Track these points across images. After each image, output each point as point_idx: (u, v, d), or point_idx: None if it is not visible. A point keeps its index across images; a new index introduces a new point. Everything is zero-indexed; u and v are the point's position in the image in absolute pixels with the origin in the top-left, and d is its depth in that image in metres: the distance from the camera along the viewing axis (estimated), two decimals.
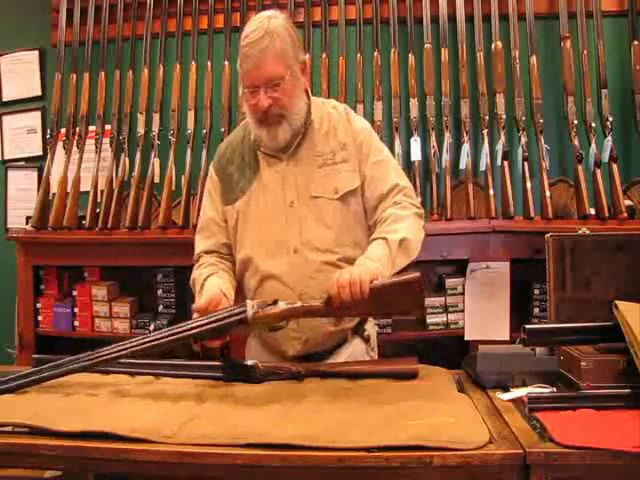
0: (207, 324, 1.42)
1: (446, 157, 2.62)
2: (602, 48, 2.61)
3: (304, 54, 1.67)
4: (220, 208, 1.71)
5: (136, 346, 1.42)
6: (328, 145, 1.66)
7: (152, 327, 2.70)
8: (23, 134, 3.24)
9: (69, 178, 2.79)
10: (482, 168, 2.62)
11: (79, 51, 2.90)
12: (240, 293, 1.68)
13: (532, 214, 2.51)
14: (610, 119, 2.57)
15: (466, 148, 2.64)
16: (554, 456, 1.10)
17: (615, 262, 1.56)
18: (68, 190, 2.77)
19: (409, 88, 2.75)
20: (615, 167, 2.52)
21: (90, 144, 2.87)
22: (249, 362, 1.53)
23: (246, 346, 1.82)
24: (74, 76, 2.89)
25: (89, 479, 1.58)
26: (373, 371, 1.54)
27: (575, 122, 2.60)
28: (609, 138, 2.55)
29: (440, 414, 1.24)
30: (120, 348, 1.42)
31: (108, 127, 2.87)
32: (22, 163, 3.24)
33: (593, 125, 2.57)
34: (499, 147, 2.61)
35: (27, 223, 2.88)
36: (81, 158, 2.82)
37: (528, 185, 2.55)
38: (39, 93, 3.21)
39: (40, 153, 3.20)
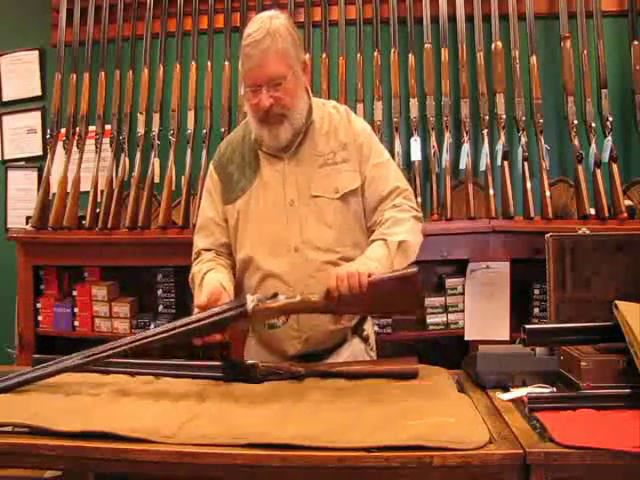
0: (207, 318, 1.43)
1: (446, 157, 2.62)
2: (602, 48, 2.61)
3: (305, 54, 1.67)
4: (220, 207, 1.72)
5: (138, 341, 1.43)
6: (329, 145, 1.66)
7: (152, 327, 2.70)
8: (23, 134, 3.24)
9: (69, 178, 2.79)
10: (482, 168, 2.62)
11: (79, 51, 2.90)
12: (240, 292, 1.68)
13: (532, 214, 2.51)
14: (610, 119, 2.57)
15: (466, 148, 2.64)
16: (554, 456, 1.10)
17: (615, 262, 1.56)
18: (68, 190, 2.77)
19: (409, 88, 2.75)
20: (615, 167, 2.52)
21: (90, 144, 2.87)
22: (249, 362, 1.53)
23: (245, 346, 1.83)
24: (74, 76, 2.89)
25: (89, 479, 1.58)
26: (373, 371, 1.54)
27: (575, 122, 2.60)
28: (609, 138, 2.55)
29: (440, 414, 1.24)
30: (122, 343, 1.43)
31: (108, 127, 2.87)
32: (22, 163, 3.24)
33: (593, 125, 2.57)
34: (499, 147, 2.61)
35: (27, 223, 2.88)
36: (81, 158, 2.82)
37: (528, 185, 2.55)
38: (39, 93, 3.22)
39: (40, 153, 3.20)
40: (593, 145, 2.55)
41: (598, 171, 2.53)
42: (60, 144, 2.87)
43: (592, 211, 2.50)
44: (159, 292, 2.79)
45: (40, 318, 2.79)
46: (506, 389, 1.44)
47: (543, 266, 1.61)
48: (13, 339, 2.81)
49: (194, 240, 1.76)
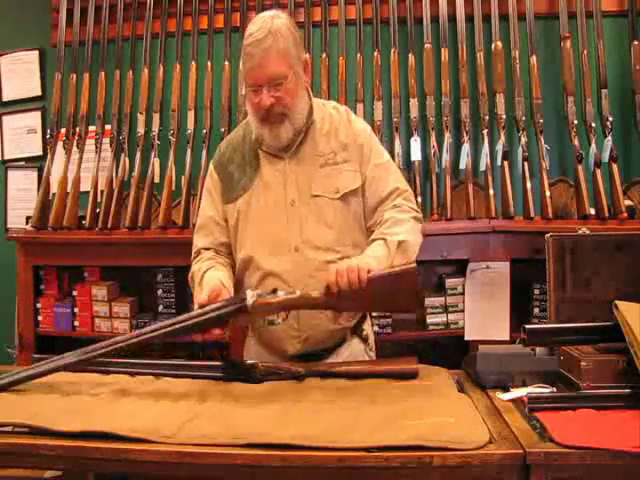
0: (207, 313, 1.43)
1: (446, 157, 2.62)
2: (602, 48, 2.61)
3: (305, 54, 1.68)
4: (220, 207, 1.72)
5: (139, 337, 1.44)
6: (329, 145, 1.66)
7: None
8: (23, 134, 3.24)
9: (69, 178, 2.79)
10: (482, 168, 2.62)
11: (79, 51, 2.90)
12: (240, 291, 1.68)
13: (532, 214, 2.51)
14: (610, 119, 2.57)
15: (466, 148, 2.64)
16: (554, 456, 1.10)
17: (615, 262, 1.56)
18: (68, 190, 2.77)
19: (409, 88, 2.75)
20: (615, 167, 2.52)
21: (90, 144, 2.87)
22: (249, 362, 1.53)
23: (244, 346, 1.83)
24: (74, 76, 2.89)
25: (89, 479, 1.58)
26: (373, 371, 1.54)
27: (575, 122, 2.60)
28: (609, 138, 2.55)
29: (440, 414, 1.24)
30: (123, 339, 1.44)
31: (108, 127, 2.87)
32: (22, 163, 3.24)
33: (593, 125, 2.58)
34: (499, 147, 2.61)
35: (27, 223, 2.88)
36: (81, 158, 2.82)
37: (528, 185, 2.55)
38: (39, 93, 3.22)
39: (40, 153, 3.20)
40: (593, 145, 2.55)
41: (598, 171, 2.53)
42: (60, 144, 2.87)
43: (592, 211, 2.50)
44: (159, 292, 2.79)
45: (40, 318, 2.79)
46: (506, 389, 1.44)
47: (543, 266, 1.61)
48: (13, 339, 2.81)
49: (194, 239, 1.76)
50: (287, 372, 1.52)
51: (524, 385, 1.44)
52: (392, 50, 2.75)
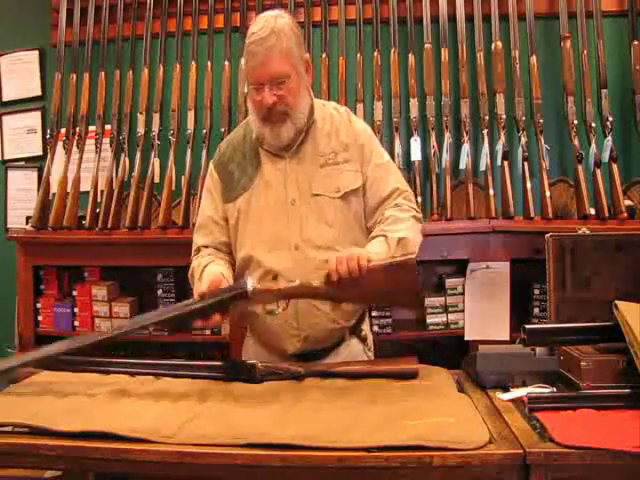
0: (208, 299, 1.44)
1: (446, 157, 2.62)
2: (602, 48, 2.61)
3: (306, 54, 1.68)
4: (220, 206, 1.72)
5: (141, 323, 1.46)
6: (330, 145, 1.67)
7: (152, 327, 2.70)
8: (23, 134, 3.24)
9: (69, 178, 2.79)
10: (482, 168, 2.62)
11: (79, 51, 2.90)
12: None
13: (532, 214, 2.51)
14: (610, 119, 2.57)
15: (466, 148, 2.64)
16: (554, 456, 1.10)
17: (615, 262, 1.56)
18: (68, 190, 2.77)
19: (409, 88, 2.75)
20: (615, 167, 2.52)
21: (90, 144, 2.87)
22: (249, 362, 1.53)
23: (243, 345, 1.83)
24: (74, 76, 2.89)
25: (89, 479, 1.58)
26: (373, 371, 1.54)
27: (575, 122, 2.59)
28: (609, 138, 2.55)
29: (440, 414, 1.24)
30: (127, 325, 1.45)
31: (108, 127, 2.87)
32: (22, 163, 3.24)
33: (593, 125, 2.57)
34: (499, 147, 2.61)
35: (27, 223, 2.87)
36: (81, 158, 2.82)
37: (528, 185, 2.55)
38: (39, 93, 3.21)
39: (40, 153, 3.20)
40: (593, 145, 2.55)
41: (598, 171, 2.53)
42: (60, 144, 2.87)
43: (592, 211, 2.50)
44: (159, 292, 2.79)
45: (40, 318, 2.79)
46: (506, 389, 1.44)
47: (543, 266, 1.61)
48: (13, 339, 2.81)
49: (193, 238, 1.77)
50: (287, 372, 1.52)
51: (524, 385, 1.44)
52: (392, 50, 2.75)
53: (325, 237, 1.62)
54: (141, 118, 2.83)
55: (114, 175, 2.79)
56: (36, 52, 3.19)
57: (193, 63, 2.84)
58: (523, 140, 2.60)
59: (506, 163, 2.59)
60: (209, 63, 2.82)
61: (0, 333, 2.96)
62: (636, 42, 2.62)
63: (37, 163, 3.19)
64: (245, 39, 1.60)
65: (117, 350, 2.71)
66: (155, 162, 2.76)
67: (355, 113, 1.80)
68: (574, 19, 2.64)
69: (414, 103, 2.72)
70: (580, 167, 2.54)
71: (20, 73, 3.22)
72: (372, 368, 1.56)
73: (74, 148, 2.84)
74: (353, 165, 1.66)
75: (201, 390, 1.43)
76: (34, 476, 1.75)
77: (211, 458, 1.15)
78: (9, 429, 1.25)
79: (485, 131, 2.66)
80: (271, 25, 1.54)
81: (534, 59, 2.64)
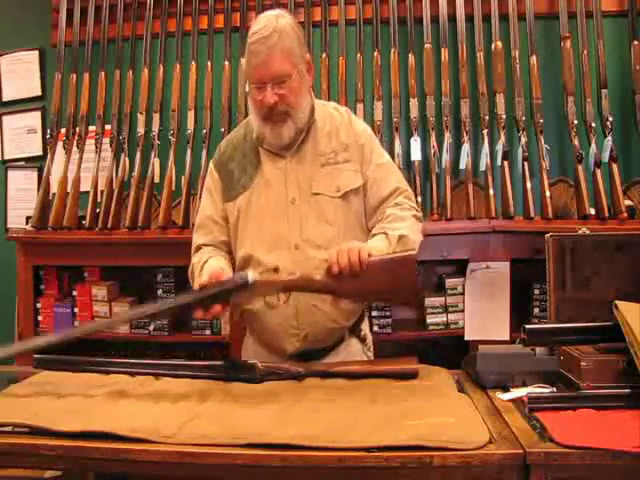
0: (209, 290, 1.44)
1: (446, 157, 2.62)
2: (602, 48, 2.61)
3: (308, 54, 1.68)
4: (220, 205, 1.72)
5: (143, 313, 1.49)
6: (330, 145, 1.67)
7: (152, 327, 2.70)
8: (23, 134, 3.24)
9: (69, 178, 2.79)
10: (482, 168, 2.62)
11: (79, 51, 2.90)
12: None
13: (532, 214, 2.51)
14: (610, 119, 2.57)
15: (466, 148, 2.64)
16: (554, 456, 1.10)
17: (615, 262, 1.56)
18: (68, 190, 2.77)
19: (409, 88, 2.75)
20: (615, 167, 2.52)
21: (90, 144, 2.87)
22: (249, 362, 1.53)
23: (243, 345, 1.83)
24: (74, 76, 2.89)
25: (89, 479, 1.58)
26: (373, 371, 1.54)
27: (575, 122, 2.59)
28: (609, 138, 2.55)
29: (440, 414, 1.24)
30: (127, 314, 1.46)
31: (108, 127, 2.87)
32: (22, 163, 3.24)
33: (593, 125, 2.57)
34: (499, 147, 2.61)
35: (27, 223, 2.88)
36: (81, 158, 2.82)
37: (528, 185, 2.55)
38: (39, 93, 3.21)
39: (40, 153, 3.20)
40: (593, 145, 2.55)
41: (598, 171, 2.53)
42: (60, 144, 2.87)
43: (592, 211, 2.50)
44: (159, 292, 2.79)
45: (40, 318, 2.79)
46: (506, 389, 1.44)
47: (543, 266, 1.61)
48: (13, 339, 2.81)
49: (193, 237, 1.77)
50: (287, 372, 1.51)
51: (524, 385, 1.44)
52: (392, 50, 2.75)
53: (325, 236, 1.62)
54: (141, 118, 2.83)
55: (114, 175, 2.79)
56: (36, 52, 3.19)
57: (193, 63, 2.84)
58: (523, 140, 2.60)
59: (506, 163, 2.59)
60: (209, 63, 2.82)
61: (0, 333, 2.96)
62: (636, 42, 2.62)
63: (37, 163, 3.19)
64: (245, 39, 1.60)
65: (117, 350, 2.72)
66: (155, 162, 2.76)
67: (355, 113, 1.80)
68: (574, 19, 2.64)
69: (414, 103, 2.72)
70: (580, 167, 2.54)
71: (20, 73, 3.22)
72: (372, 368, 1.56)
73: (74, 148, 2.84)
74: (353, 165, 1.67)
75: (201, 390, 1.43)
76: (34, 476, 1.75)
77: (211, 458, 1.14)
78: (9, 429, 1.24)
79: (485, 131, 2.66)
80: (273, 24, 1.55)
81: (534, 59, 2.64)
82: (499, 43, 2.68)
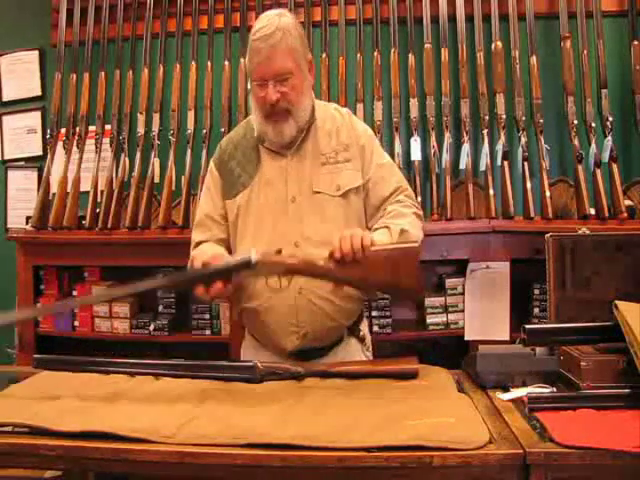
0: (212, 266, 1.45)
1: (446, 157, 2.62)
2: (602, 48, 2.61)
3: (309, 54, 1.69)
4: (219, 204, 1.72)
5: (145, 286, 1.53)
6: (330, 145, 1.68)
7: (152, 327, 2.70)
8: (23, 134, 3.24)
9: (69, 178, 2.79)
10: (482, 168, 2.62)
11: (79, 51, 2.90)
12: (240, 289, 1.68)
13: (532, 214, 2.51)
14: (610, 119, 2.57)
15: (466, 148, 2.64)
16: (554, 456, 1.10)
17: (615, 262, 1.56)
18: (68, 190, 2.77)
19: (409, 88, 2.75)
20: (615, 167, 2.52)
21: (90, 144, 2.87)
22: (249, 362, 1.53)
23: (243, 345, 1.83)
24: (74, 76, 2.89)
25: (89, 479, 1.58)
26: (373, 371, 1.54)
27: (575, 122, 2.60)
28: (609, 138, 2.55)
29: (440, 414, 1.24)
30: (129, 288, 1.48)
31: (108, 127, 2.87)
32: (22, 163, 3.24)
33: (593, 125, 2.57)
34: (499, 147, 2.61)
35: (27, 223, 2.88)
36: (81, 158, 2.82)
37: (528, 185, 2.55)
38: (39, 93, 3.22)
39: (40, 153, 3.20)
40: (593, 145, 2.55)
41: (598, 171, 2.53)
42: (60, 144, 2.87)
43: (592, 211, 2.50)
44: (159, 292, 2.79)
45: (40, 318, 2.79)
46: (506, 389, 1.44)
47: (543, 266, 1.61)
48: (13, 339, 2.81)
49: (192, 235, 1.77)
50: (287, 372, 1.51)
51: (524, 385, 1.44)
52: (392, 50, 2.75)
53: (325, 235, 1.62)
54: (141, 118, 2.83)
55: (114, 175, 2.79)
56: (36, 52, 3.19)
57: (193, 63, 2.84)
58: (523, 140, 2.60)
59: (506, 163, 2.59)
60: (209, 63, 2.82)
61: (0, 333, 2.96)
62: (636, 42, 2.62)
63: (37, 163, 3.19)
64: (246, 39, 1.61)
65: (117, 350, 2.72)
66: (155, 162, 2.76)
67: (355, 113, 1.81)
68: (574, 19, 2.64)
69: (414, 103, 2.72)
70: (580, 167, 2.54)
71: (20, 73, 3.22)
72: (372, 368, 1.56)
73: (74, 148, 2.84)
74: (354, 165, 1.67)
75: (201, 390, 1.43)
76: (34, 476, 1.75)
77: (211, 458, 1.14)
78: (9, 429, 1.24)
79: (485, 131, 2.66)
80: (276, 23, 1.56)
81: (534, 59, 2.64)
82: (499, 43, 2.68)
